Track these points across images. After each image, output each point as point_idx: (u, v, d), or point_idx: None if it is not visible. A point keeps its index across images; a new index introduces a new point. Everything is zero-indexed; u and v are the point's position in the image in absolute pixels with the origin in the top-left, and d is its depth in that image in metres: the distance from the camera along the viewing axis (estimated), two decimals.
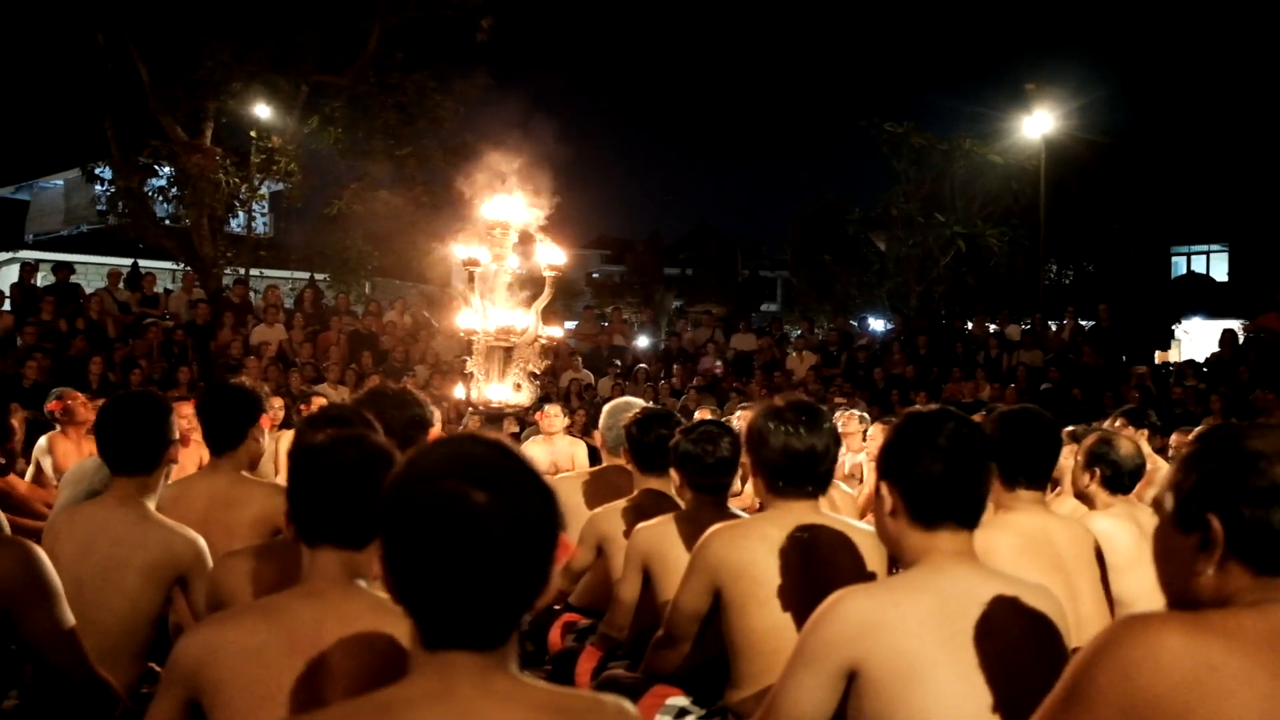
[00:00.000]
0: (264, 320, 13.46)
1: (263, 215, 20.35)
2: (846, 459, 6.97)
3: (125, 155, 15.72)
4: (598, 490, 4.19)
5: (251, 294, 14.89)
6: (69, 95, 19.07)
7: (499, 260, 5.95)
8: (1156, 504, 1.51)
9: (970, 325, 15.78)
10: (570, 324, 17.21)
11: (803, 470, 2.59)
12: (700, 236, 39.92)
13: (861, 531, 2.63)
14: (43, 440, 6.14)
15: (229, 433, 3.21)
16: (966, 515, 1.94)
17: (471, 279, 5.83)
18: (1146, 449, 5.10)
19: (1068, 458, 3.75)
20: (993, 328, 15.15)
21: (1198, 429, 1.61)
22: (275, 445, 6.05)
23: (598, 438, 4.76)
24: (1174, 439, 6.18)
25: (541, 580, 1.28)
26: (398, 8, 15.77)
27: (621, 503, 3.66)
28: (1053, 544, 2.75)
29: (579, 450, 7.24)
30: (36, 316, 12.14)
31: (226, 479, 3.15)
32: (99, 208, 17.30)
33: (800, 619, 2.22)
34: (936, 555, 1.92)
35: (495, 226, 5.83)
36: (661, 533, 3.10)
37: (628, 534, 3.35)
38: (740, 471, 3.18)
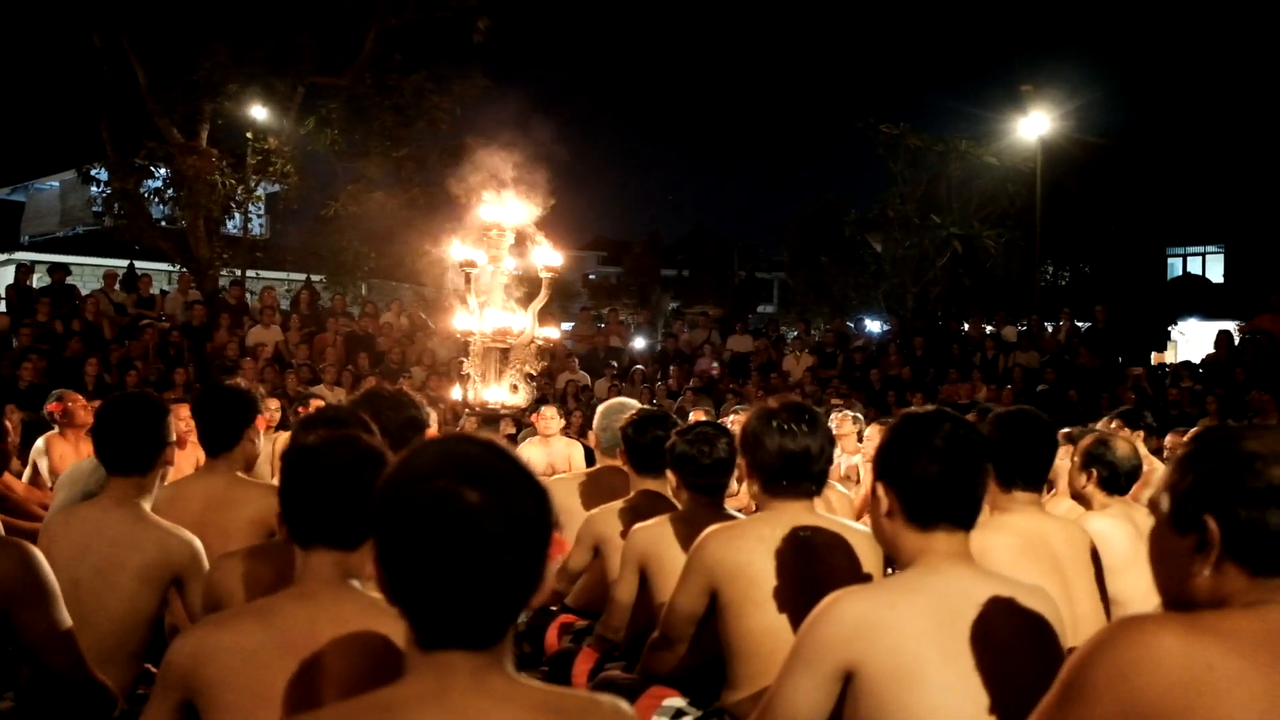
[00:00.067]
0: (260, 322, 13.46)
1: (259, 217, 20.32)
2: (842, 460, 6.98)
3: (121, 157, 15.70)
4: (593, 492, 4.19)
5: (247, 295, 14.89)
6: (65, 97, 19.09)
7: (495, 261, 5.95)
8: (1152, 505, 1.52)
9: (966, 326, 15.79)
10: (567, 325, 17.21)
11: (798, 471, 2.59)
12: (699, 237, 39.87)
13: (858, 532, 2.63)
14: (40, 441, 6.14)
15: (225, 434, 3.21)
16: (963, 516, 1.94)
17: (468, 280, 5.82)
18: (1143, 450, 5.11)
19: (1063, 459, 3.76)
20: (989, 329, 15.14)
21: (1193, 430, 1.61)
22: (272, 447, 6.04)
23: (592, 439, 4.76)
24: (1169, 440, 6.19)
25: (535, 578, 1.28)
26: (396, 9, 15.76)
27: (618, 504, 3.66)
28: (1049, 545, 2.76)
29: (575, 451, 7.24)
30: (32, 318, 12.13)
31: (222, 480, 3.15)
32: (95, 209, 17.32)
33: (797, 620, 2.22)
34: (933, 556, 1.92)
35: (492, 228, 5.83)
36: (658, 533, 3.10)
37: (625, 535, 3.35)
38: (736, 472, 3.19)
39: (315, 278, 17.48)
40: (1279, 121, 21.14)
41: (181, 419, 4.04)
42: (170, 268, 16.71)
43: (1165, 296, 22.60)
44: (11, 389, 9.61)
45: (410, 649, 1.28)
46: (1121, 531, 3.32)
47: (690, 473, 3.11)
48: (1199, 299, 22.62)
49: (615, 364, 14.40)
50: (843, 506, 4.82)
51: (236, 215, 16.94)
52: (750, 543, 2.58)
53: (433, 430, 3.46)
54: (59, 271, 13.81)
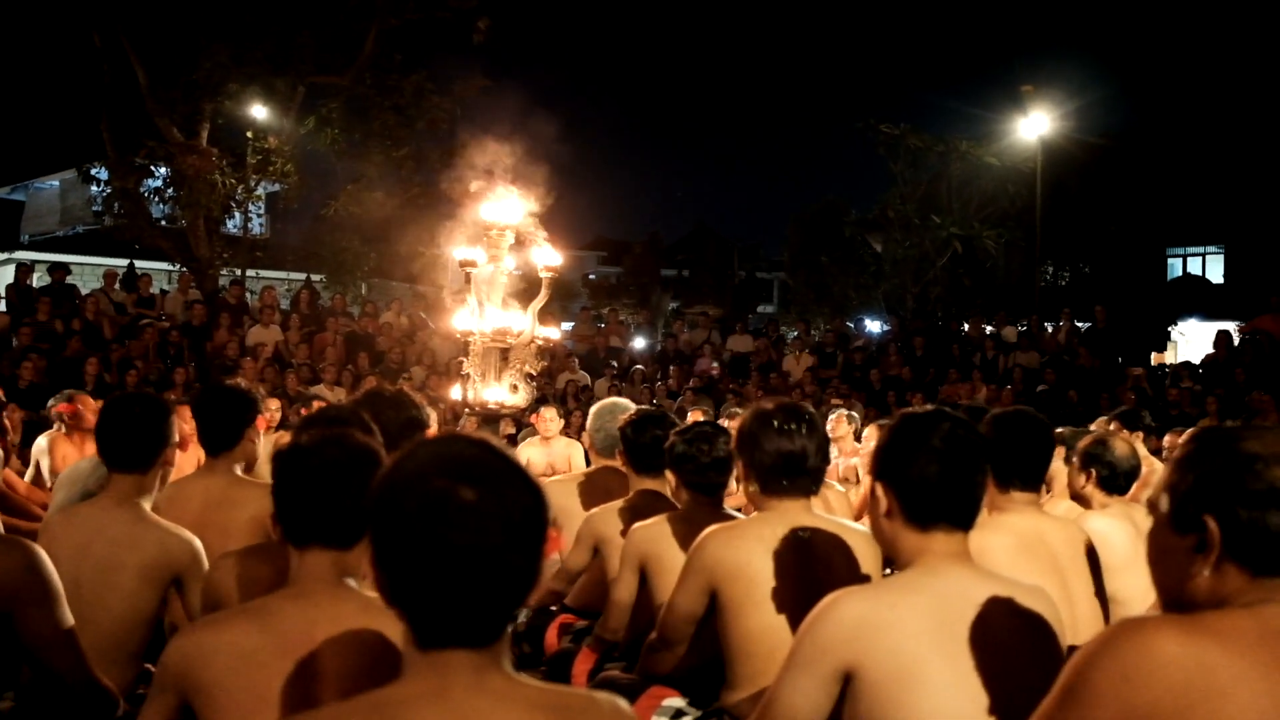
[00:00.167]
0: (260, 321, 13.45)
1: (259, 216, 20.35)
2: (839, 462, 6.98)
3: (121, 156, 15.69)
4: (589, 493, 4.18)
5: (247, 295, 14.88)
6: (65, 96, 19.09)
7: (496, 261, 5.94)
8: (1152, 505, 1.51)
9: (966, 327, 15.79)
10: (567, 325, 17.20)
11: (795, 470, 2.59)
12: (699, 238, 39.85)
13: (856, 533, 2.63)
14: (42, 440, 6.13)
15: (225, 434, 3.21)
16: (962, 516, 1.94)
17: (468, 280, 5.82)
18: (1142, 450, 5.10)
19: (1057, 460, 3.76)
20: (989, 329, 15.14)
21: (1191, 430, 1.61)
22: (271, 447, 6.03)
23: (585, 441, 4.75)
24: (1168, 440, 6.19)
25: (532, 576, 1.28)
26: (396, 9, 15.75)
27: (618, 503, 3.66)
28: (1048, 545, 2.76)
29: (575, 452, 7.22)
30: (32, 317, 12.12)
31: (222, 480, 3.15)
32: (95, 208, 17.31)
33: (796, 620, 2.22)
34: (932, 556, 1.92)
35: (492, 227, 5.83)
36: (657, 533, 3.10)
37: (624, 534, 3.35)
38: (734, 471, 3.19)
39: (315, 277, 17.47)
40: (1279, 121, 21.14)
41: (185, 420, 4.05)
42: (170, 267, 16.71)
43: (1165, 297, 22.58)
44: (12, 388, 9.60)
45: (408, 648, 1.27)
46: (1121, 531, 3.32)
47: (689, 472, 3.12)
48: (1199, 299, 22.61)
49: (615, 364, 14.40)
50: (841, 506, 4.82)
51: (236, 215, 16.94)
52: (750, 543, 2.58)
53: (433, 430, 3.46)
54: (59, 271, 13.80)
